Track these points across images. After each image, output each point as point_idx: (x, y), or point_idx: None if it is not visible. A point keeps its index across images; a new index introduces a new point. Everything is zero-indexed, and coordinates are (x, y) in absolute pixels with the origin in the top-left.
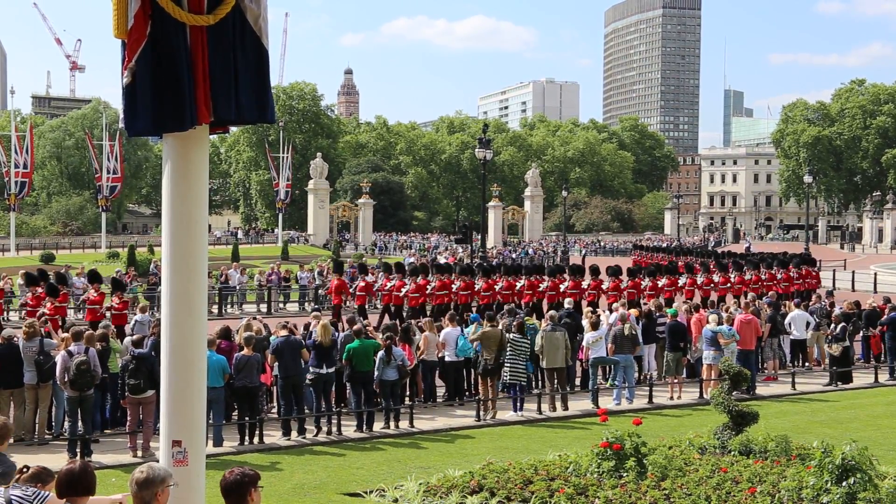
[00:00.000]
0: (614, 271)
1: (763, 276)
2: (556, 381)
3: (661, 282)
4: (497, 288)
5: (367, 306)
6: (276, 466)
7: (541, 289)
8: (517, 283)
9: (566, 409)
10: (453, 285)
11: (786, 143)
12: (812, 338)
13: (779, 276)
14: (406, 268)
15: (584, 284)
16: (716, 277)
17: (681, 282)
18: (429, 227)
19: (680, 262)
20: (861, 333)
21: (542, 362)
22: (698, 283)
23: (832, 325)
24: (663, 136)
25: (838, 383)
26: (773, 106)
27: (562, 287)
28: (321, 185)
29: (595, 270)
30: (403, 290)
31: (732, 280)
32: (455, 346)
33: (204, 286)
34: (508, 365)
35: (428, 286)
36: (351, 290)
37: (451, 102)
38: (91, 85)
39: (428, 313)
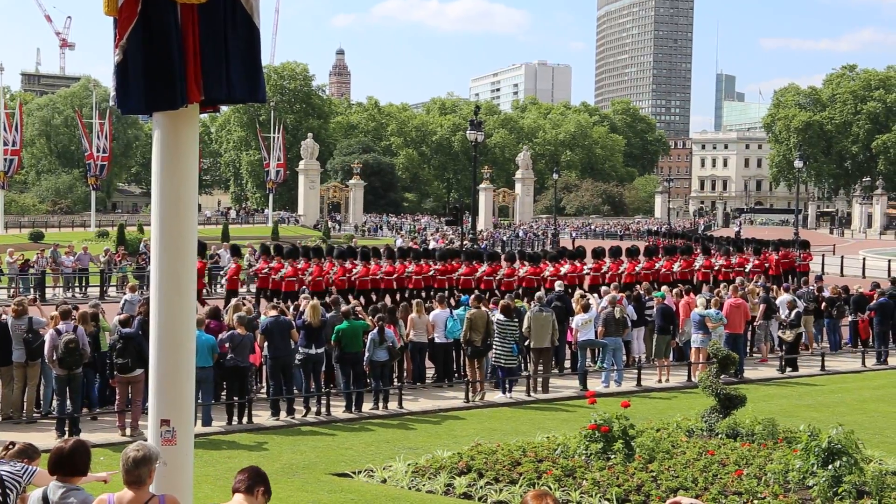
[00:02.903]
0: (686, 250)
1: (734, 261)
2: (541, 362)
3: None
4: (380, 274)
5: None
6: (264, 446)
7: (431, 273)
8: (406, 269)
9: (546, 391)
10: (332, 270)
11: (777, 127)
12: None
13: (752, 259)
14: (283, 250)
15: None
16: (676, 266)
17: (636, 268)
18: (419, 208)
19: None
20: (850, 318)
21: (529, 342)
22: (656, 268)
23: (786, 312)
24: (655, 120)
25: (787, 369)
26: (764, 90)
27: (562, 270)
28: (312, 165)
29: (614, 252)
30: (280, 274)
31: (696, 266)
32: (444, 327)
33: (193, 266)
34: (495, 348)
35: (306, 271)
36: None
37: (442, 84)
38: (81, 62)
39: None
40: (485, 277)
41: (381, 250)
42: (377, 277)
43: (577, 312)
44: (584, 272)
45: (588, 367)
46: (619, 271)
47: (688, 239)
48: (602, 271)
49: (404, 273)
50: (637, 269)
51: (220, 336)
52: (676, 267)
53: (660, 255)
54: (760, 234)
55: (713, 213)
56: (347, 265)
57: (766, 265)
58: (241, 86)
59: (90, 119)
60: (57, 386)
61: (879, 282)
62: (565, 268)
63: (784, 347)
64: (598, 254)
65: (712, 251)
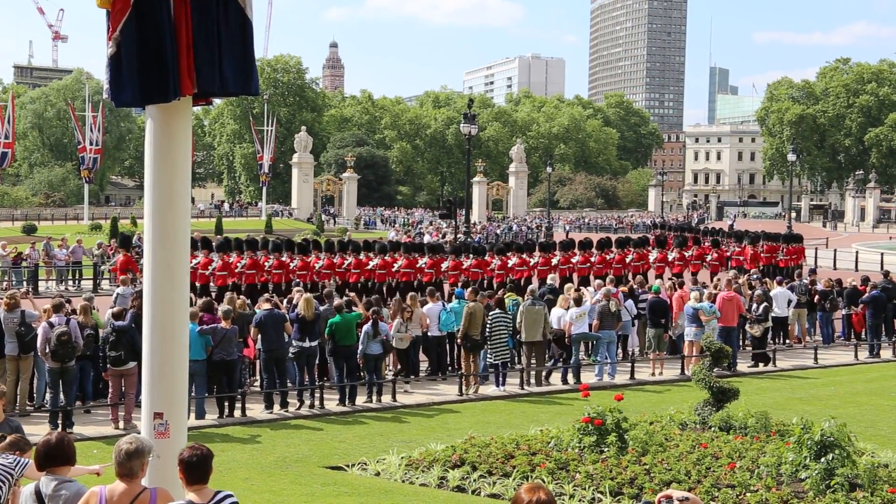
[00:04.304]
0: (640, 242)
1: (689, 255)
2: (533, 355)
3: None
4: (318, 266)
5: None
6: (257, 439)
7: (370, 267)
8: (345, 262)
9: (540, 384)
10: (266, 263)
11: (770, 121)
12: (793, 315)
13: (712, 252)
14: (213, 244)
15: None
16: (629, 258)
17: (627, 259)
18: (413, 202)
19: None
20: (843, 311)
21: (521, 336)
22: (607, 259)
23: (754, 306)
24: (648, 113)
25: (760, 364)
26: (757, 84)
27: (571, 260)
28: (305, 158)
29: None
30: (210, 268)
31: (651, 259)
32: (438, 321)
33: (186, 259)
34: (490, 343)
35: (238, 264)
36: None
37: (436, 77)
38: (74, 55)
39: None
40: (426, 270)
41: (322, 243)
42: (316, 271)
43: (563, 306)
44: (532, 264)
45: (582, 361)
46: (572, 264)
47: (693, 232)
48: (552, 264)
49: (342, 266)
50: (590, 261)
51: (202, 327)
52: (630, 259)
53: (612, 248)
54: (754, 228)
55: (706, 207)
56: (285, 259)
57: (741, 258)
58: (235, 78)
59: (83, 112)
60: (50, 379)
61: (870, 275)
62: (512, 261)
63: (753, 342)
64: (545, 247)
65: (669, 243)
